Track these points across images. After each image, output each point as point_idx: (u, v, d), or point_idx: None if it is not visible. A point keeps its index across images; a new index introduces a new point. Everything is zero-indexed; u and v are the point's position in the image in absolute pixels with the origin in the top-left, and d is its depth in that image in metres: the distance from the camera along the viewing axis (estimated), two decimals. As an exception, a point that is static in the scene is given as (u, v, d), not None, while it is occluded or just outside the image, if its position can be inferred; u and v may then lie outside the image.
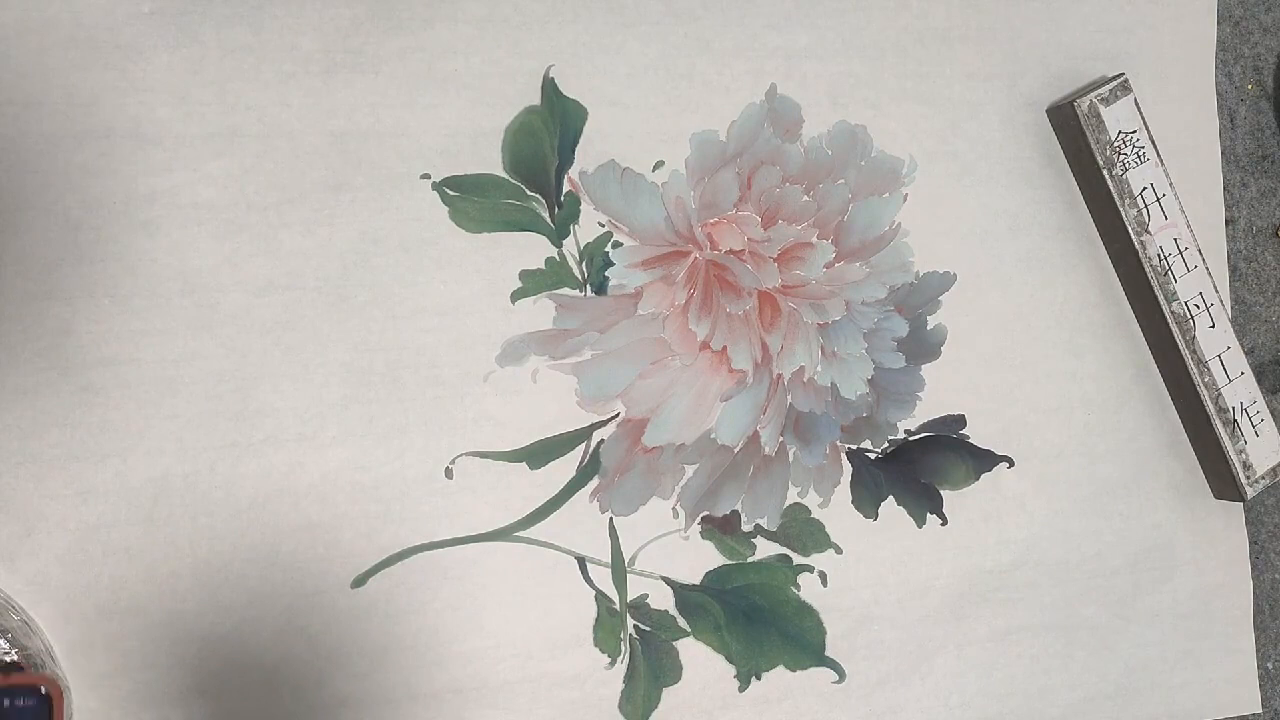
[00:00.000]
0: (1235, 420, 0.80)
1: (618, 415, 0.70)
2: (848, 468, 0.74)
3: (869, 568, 0.74)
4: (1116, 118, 0.78)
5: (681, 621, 0.70)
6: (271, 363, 0.64)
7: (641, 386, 0.70)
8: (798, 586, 0.73)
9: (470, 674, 0.66)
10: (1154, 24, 0.83)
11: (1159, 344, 0.81)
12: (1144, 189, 0.78)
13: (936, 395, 0.76)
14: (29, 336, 0.60)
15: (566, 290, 0.69)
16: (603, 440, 0.69)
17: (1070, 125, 0.78)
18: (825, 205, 0.74)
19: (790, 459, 0.73)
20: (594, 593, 0.69)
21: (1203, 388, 0.79)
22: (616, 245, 0.70)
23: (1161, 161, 0.79)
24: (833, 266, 0.74)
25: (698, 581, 0.71)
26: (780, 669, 0.72)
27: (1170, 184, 0.79)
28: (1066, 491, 0.79)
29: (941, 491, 0.76)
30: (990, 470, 0.77)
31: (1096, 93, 0.77)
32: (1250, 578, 0.84)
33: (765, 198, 0.73)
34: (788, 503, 0.73)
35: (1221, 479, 0.82)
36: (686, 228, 0.72)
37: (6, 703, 0.52)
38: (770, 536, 0.72)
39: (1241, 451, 0.80)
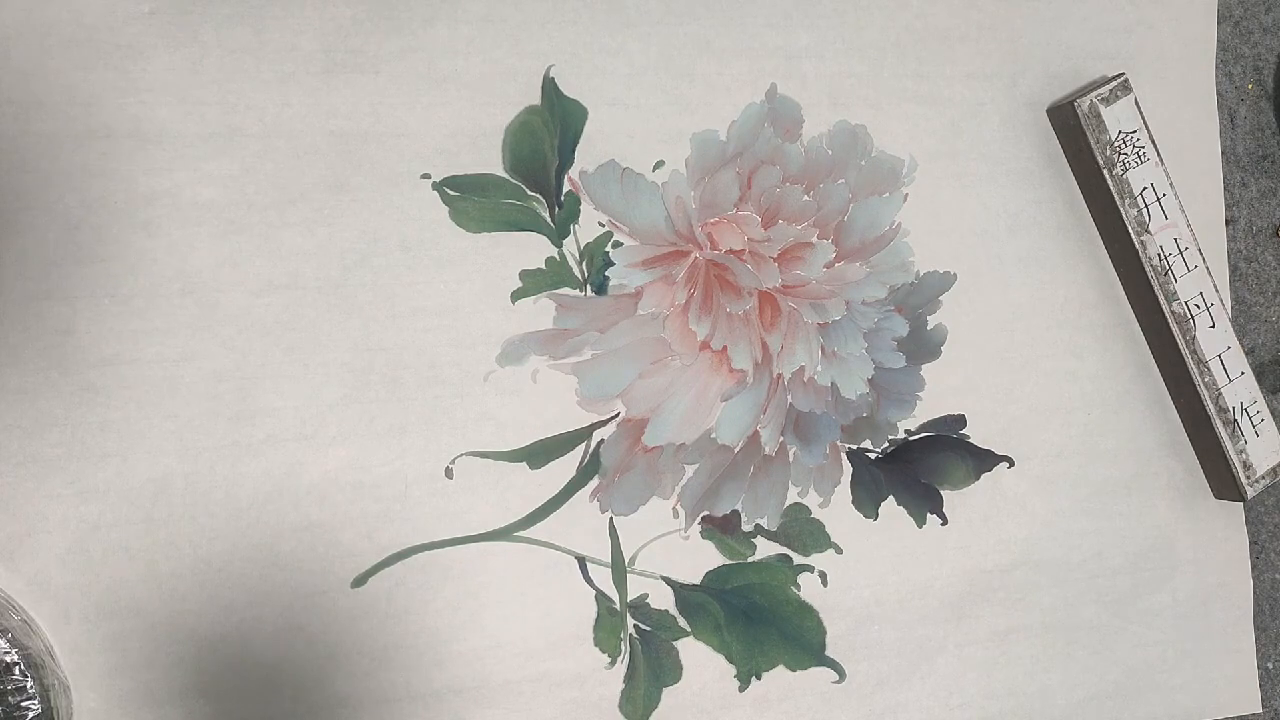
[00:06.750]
0: (1235, 420, 0.80)
1: (618, 415, 0.70)
2: (848, 468, 0.74)
3: (869, 568, 0.74)
4: (1116, 118, 0.78)
5: (681, 621, 0.70)
6: (271, 363, 0.64)
7: (641, 386, 0.70)
8: (798, 586, 0.73)
9: (470, 674, 0.66)
10: (1154, 24, 0.83)
11: (1159, 344, 0.81)
12: (1144, 189, 0.78)
13: (936, 395, 0.76)
14: (29, 336, 0.60)
15: (566, 290, 0.69)
16: (603, 440, 0.69)
17: (1070, 125, 0.78)
18: (825, 205, 0.74)
19: (790, 459, 0.73)
20: (594, 593, 0.69)
21: (1203, 388, 0.79)
22: (616, 245, 0.70)
23: (1161, 161, 0.79)
24: (833, 266, 0.74)
25: (698, 581, 0.71)
26: (780, 669, 0.72)
27: (1170, 184, 0.79)
28: (1066, 491, 0.79)
29: (941, 491, 0.76)
30: (990, 470, 0.77)
31: (1096, 93, 0.77)
32: (1250, 578, 0.84)
33: (765, 197, 0.73)
34: (788, 503, 0.73)
35: (1221, 479, 0.82)
36: (686, 228, 0.72)
37: None
38: (770, 536, 0.72)
39: (1241, 451, 0.80)
